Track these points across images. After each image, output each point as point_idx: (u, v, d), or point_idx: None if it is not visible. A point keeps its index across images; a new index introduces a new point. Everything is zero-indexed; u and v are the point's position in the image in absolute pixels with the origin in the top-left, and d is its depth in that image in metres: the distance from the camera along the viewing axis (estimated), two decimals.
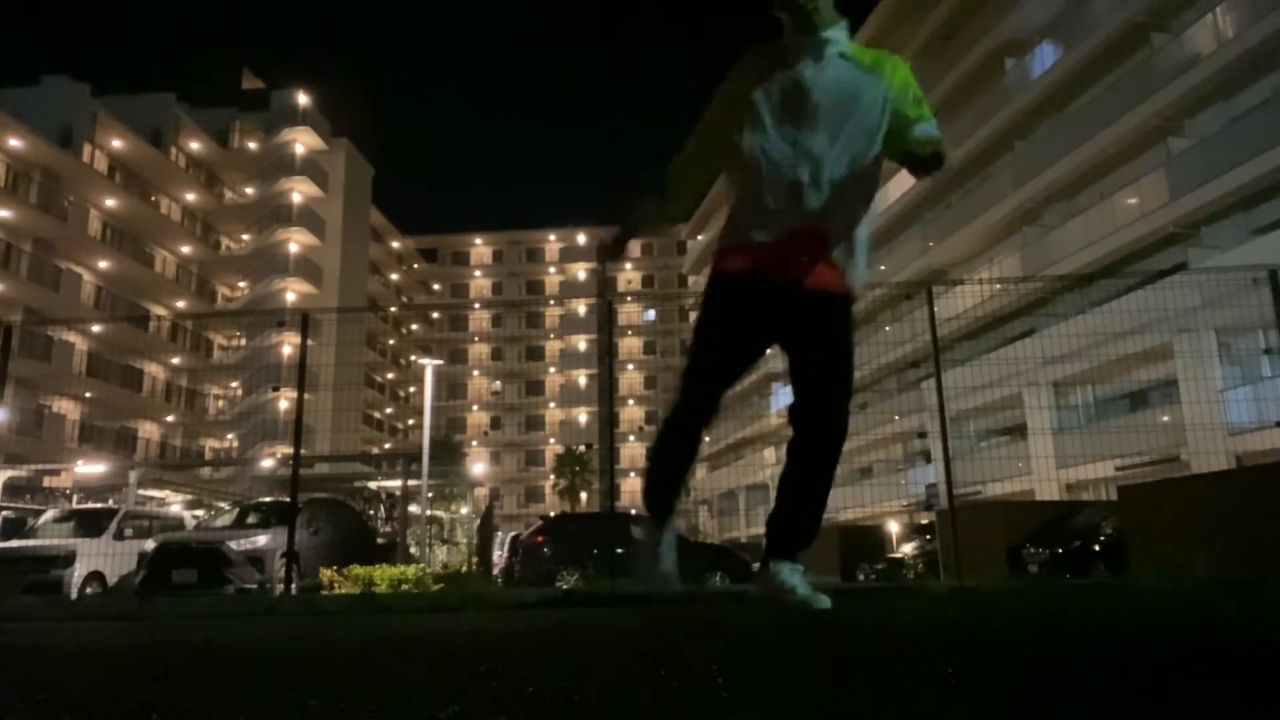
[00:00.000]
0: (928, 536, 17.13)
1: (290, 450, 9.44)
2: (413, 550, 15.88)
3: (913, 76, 2.62)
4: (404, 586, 10.24)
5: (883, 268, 37.02)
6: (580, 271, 75.29)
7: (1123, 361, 20.39)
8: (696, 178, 2.79)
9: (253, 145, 49.91)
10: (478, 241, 78.93)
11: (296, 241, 48.81)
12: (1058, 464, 21.40)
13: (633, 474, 67.70)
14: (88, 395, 35.68)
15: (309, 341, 9.08)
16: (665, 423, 2.89)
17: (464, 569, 14.55)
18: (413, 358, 67.80)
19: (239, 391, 46.33)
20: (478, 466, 42.45)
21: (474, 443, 67.73)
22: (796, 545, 2.73)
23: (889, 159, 2.59)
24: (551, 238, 77.29)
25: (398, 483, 17.86)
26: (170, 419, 43.04)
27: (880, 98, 2.53)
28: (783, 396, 43.63)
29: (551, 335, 74.50)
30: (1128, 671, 1.37)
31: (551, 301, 76.64)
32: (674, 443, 2.92)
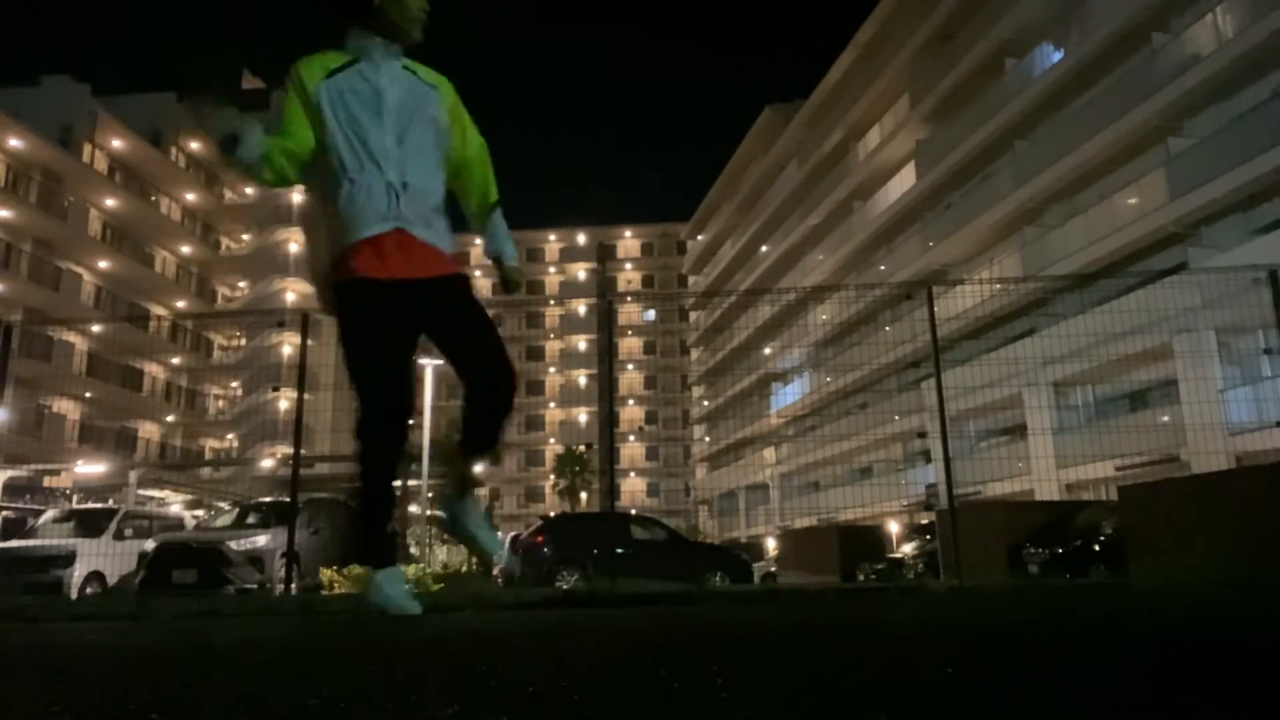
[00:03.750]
0: (928, 536, 17.13)
1: (290, 450, 9.44)
2: (413, 550, 15.87)
3: (458, 98, 2.87)
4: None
5: (883, 268, 37.06)
6: (580, 271, 75.29)
7: (1123, 361, 20.40)
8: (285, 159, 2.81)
9: None
10: (478, 241, 78.34)
11: (296, 241, 48.79)
12: (1058, 464, 21.41)
13: (633, 474, 67.91)
14: (88, 395, 35.70)
15: (309, 341, 9.08)
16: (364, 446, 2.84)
17: (464, 569, 14.54)
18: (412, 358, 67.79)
19: (239, 391, 46.35)
20: (478, 467, 42.44)
21: None
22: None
23: (470, 220, 2.96)
24: (551, 238, 77.27)
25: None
26: (170, 419, 43.04)
27: (442, 108, 2.77)
28: (783, 396, 43.65)
29: (551, 335, 74.50)
30: (1128, 671, 1.37)
31: (551, 301, 76.64)
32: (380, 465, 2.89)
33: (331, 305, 2.73)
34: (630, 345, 71.61)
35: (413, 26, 2.70)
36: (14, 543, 13.01)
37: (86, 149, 39.42)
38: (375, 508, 2.81)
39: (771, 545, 30.78)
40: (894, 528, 24.17)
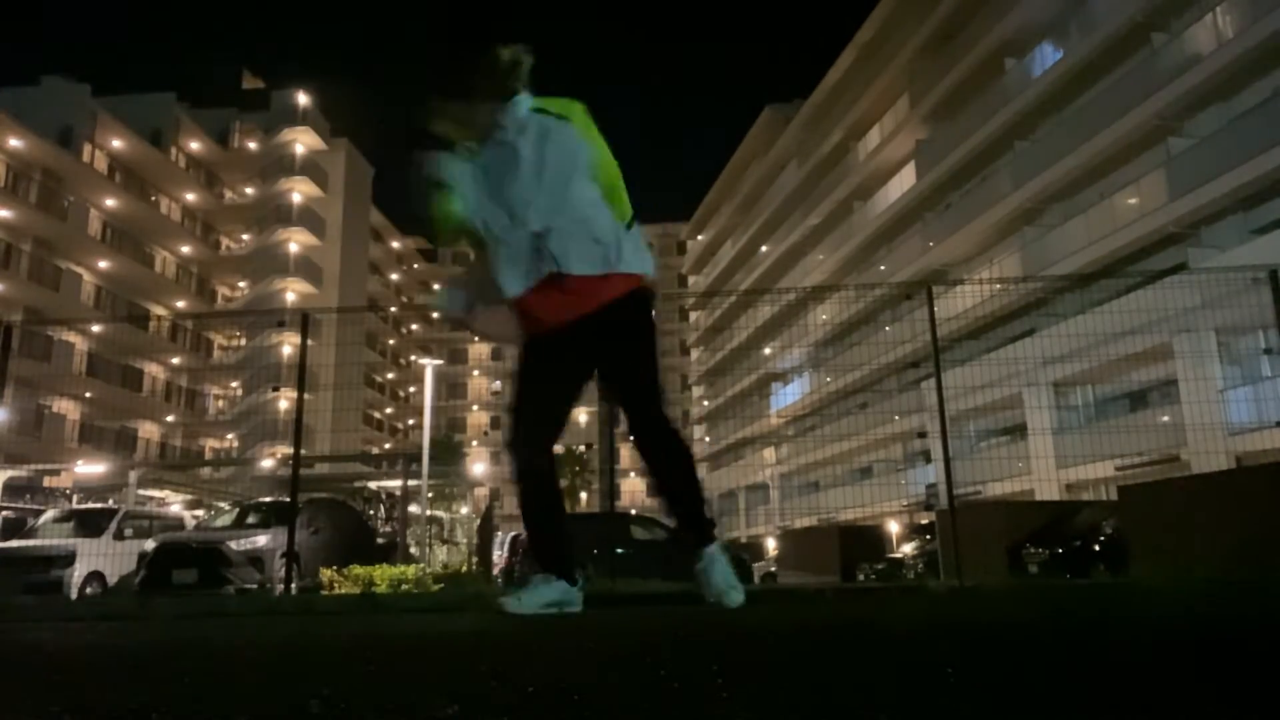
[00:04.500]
0: (928, 536, 17.13)
1: (290, 450, 9.44)
2: (413, 550, 15.88)
3: (591, 121, 2.87)
4: (404, 586, 10.24)
5: (883, 268, 37.06)
6: None
7: (1123, 361, 20.40)
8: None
9: (253, 145, 49.92)
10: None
11: (296, 241, 48.83)
12: (1058, 464, 21.41)
13: (633, 474, 67.81)
14: (88, 395, 35.70)
15: (309, 341, 9.09)
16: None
17: (464, 569, 14.54)
18: (413, 358, 67.82)
19: (239, 391, 46.36)
20: (478, 466, 42.45)
21: (474, 443, 67.69)
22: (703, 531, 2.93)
23: None
24: None
25: (398, 483, 17.86)
26: (170, 419, 43.05)
27: (574, 137, 2.75)
28: (783, 396, 43.65)
29: None
30: (1128, 672, 1.37)
31: None
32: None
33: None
34: None
35: (511, 81, 2.72)
36: (14, 543, 13.00)
37: (86, 149, 39.42)
38: (532, 521, 2.98)
39: (771, 545, 30.78)
40: (894, 528, 24.17)
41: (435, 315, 2.87)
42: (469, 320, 2.94)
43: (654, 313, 2.82)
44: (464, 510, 21.60)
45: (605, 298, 2.68)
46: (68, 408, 35.09)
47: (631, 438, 2.86)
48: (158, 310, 43.00)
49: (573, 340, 2.70)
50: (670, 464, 2.85)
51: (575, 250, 2.64)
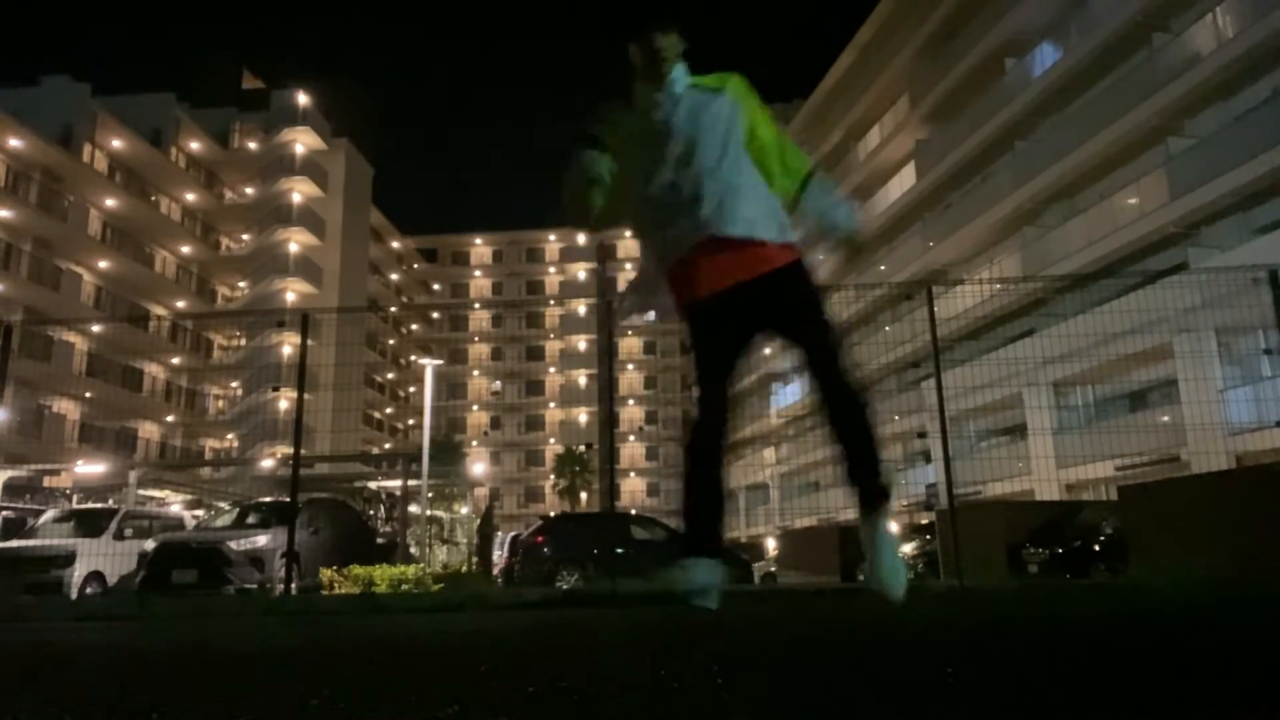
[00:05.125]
0: (928, 536, 17.11)
1: (290, 450, 9.44)
2: (413, 550, 15.87)
3: (749, 89, 2.91)
4: (404, 586, 10.24)
5: (883, 268, 37.04)
6: (580, 271, 75.28)
7: (1123, 361, 20.38)
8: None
9: (253, 145, 49.91)
10: (478, 241, 78.93)
11: (296, 241, 48.81)
12: (1058, 464, 21.39)
13: (633, 474, 67.88)
14: (88, 395, 35.70)
15: (309, 341, 9.08)
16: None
17: (464, 569, 14.54)
18: (413, 358, 67.83)
19: (239, 391, 46.35)
20: (478, 466, 42.43)
21: (474, 443, 67.73)
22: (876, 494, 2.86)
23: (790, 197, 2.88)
24: (551, 238, 77.28)
25: (398, 483, 17.86)
26: (170, 419, 43.04)
27: (727, 106, 2.80)
28: (783, 396, 43.59)
29: (551, 335, 74.51)
30: (1127, 671, 1.37)
31: (551, 301, 76.68)
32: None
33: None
34: (630, 345, 71.63)
35: (664, 63, 2.79)
36: (14, 543, 13.00)
37: (86, 149, 39.41)
38: (690, 502, 2.84)
39: (771, 545, 30.77)
40: (894, 528, 24.11)
41: (622, 321, 2.91)
42: (645, 309, 3.02)
43: (812, 279, 2.82)
44: (464, 510, 21.60)
45: (774, 262, 2.70)
46: (68, 408, 35.08)
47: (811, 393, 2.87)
48: (158, 310, 42.98)
49: (730, 306, 2.70)
50: (855, 418, 2.86)
51: (729, 218, 2.68)
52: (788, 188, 2.89)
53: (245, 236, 49.84)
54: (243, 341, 47.21)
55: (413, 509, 17.14)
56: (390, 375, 66.69)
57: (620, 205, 2.86)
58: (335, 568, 11.02)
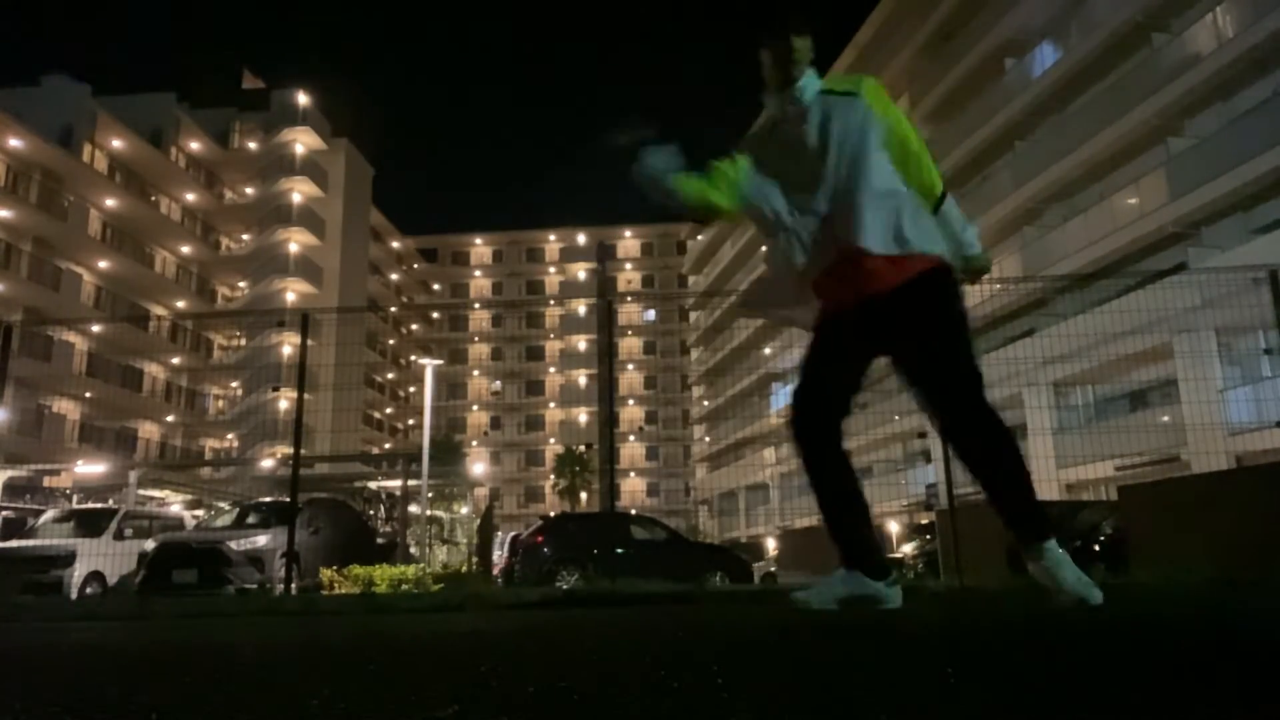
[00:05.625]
0: (928, 536, 17.10)
1: (290, 450, 9.44)
2: (413, 550, 15.88)
3: (884, 93, 2.83)
4: (404, 586, 10.24)
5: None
6: (580, 271, 75.31)
7: (1123, 361, 20.38)
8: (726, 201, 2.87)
9: (253, 145, 49.91)
10: (478, 241, 78.95)
11: (296, 241, 48.82)
12: (1058, 464, 21.39)
13: (633, 474, 67.92)
14: (88, 395, 35.70)
15: (309, 341, 9.08)
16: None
17: (464, 569, 14.54)
18: (413, 358, 67.84)
19: (239, 391, 46.35)
20: (478, 466, 42.42)
21: (474, 443, 67.76)
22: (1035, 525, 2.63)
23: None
24: (551, 238, 77.31)
25: (398, 483, 17.86)
26: (170, 419, 43.05)
27: (860, 113, 2.71)
28: (783, 396, 43.66)
29: (551, 335, 74.53)
30: (1127, 671, 1.37)
31: (551, 301, 76.70)
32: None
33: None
34: (630, 345, 71.64)
35: (797, 68, 2.74)
36: (14, 543, 13.00)
37: (86, 149, 39.41)
38: (825, 509, 2.79)
39: (771, 545, 30.77)
40: (894, 528, 24.17)
41: (741, 311, 2.87)
42: (771, 308, 3.04)
43: (955, 294, 2.68)
44: (464, 510, 21.60)
45: (893, 280, 2.59)
46: (68, 408, 35.09)
47: (939, 429, 2.72)
48: (158, 310, 42.99)
49: (858, 322, 2.64)
50: (986, 457, 2.60)
51: (861, 230, 2.58)
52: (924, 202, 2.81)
53: (245, 236, 49.85)
54: (243, 341, 47.21)
55: (413, 509, 17.14)
56: (390, 375, 66.70)
57: (745, 208, 2.83)
58: (335, 568, 11.02)
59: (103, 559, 12.17)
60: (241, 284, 49.14)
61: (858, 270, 2.60)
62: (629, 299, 74.74)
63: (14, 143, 34.54)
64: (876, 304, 2.60)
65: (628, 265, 77.33)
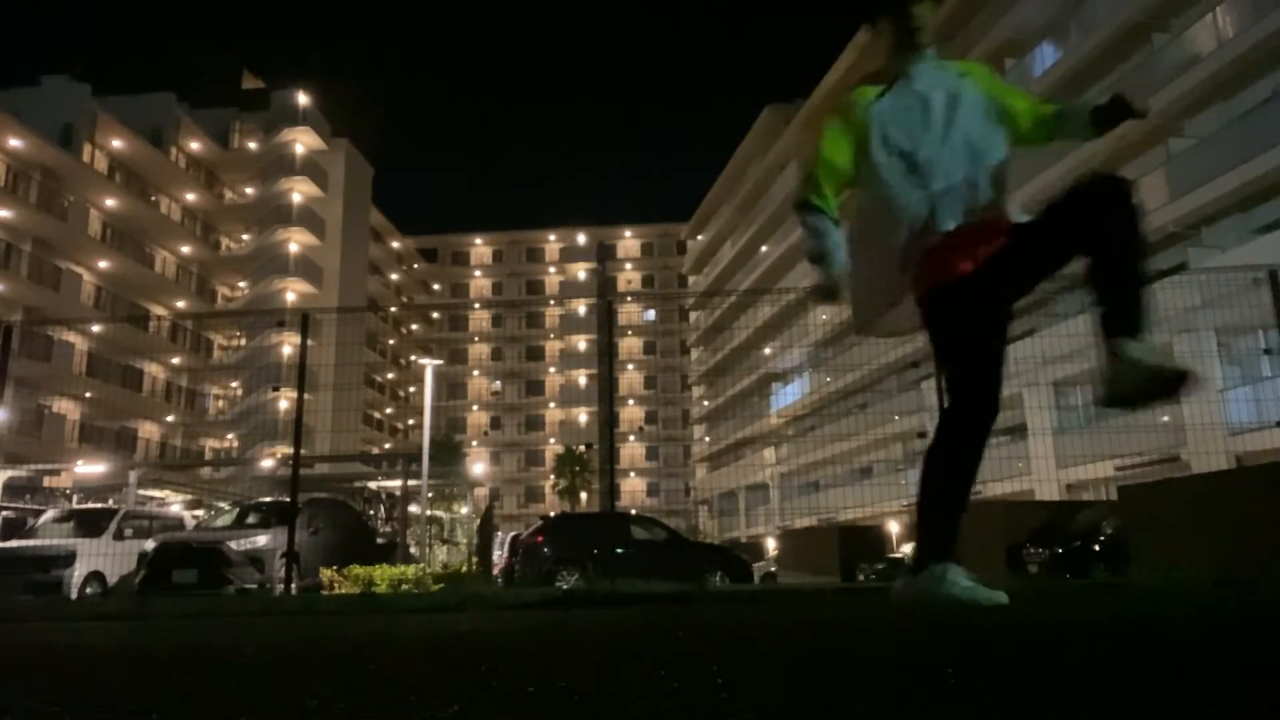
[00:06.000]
0: None
1: (290, 450, 9.45)
2: (413, 550, 15.88)
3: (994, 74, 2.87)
4: (404, 586, 10.24)
5: (812, 301, 36.95)
6: (580, 271, 75.32)
7: None
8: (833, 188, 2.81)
9: (253, 145, 49.92)
10: (478, 241, 78.96)
11: (296, 241, 48.82)
12: (1058, 464, 21.40)
13: (633, 474, 67.93)
14: (88, 395, 35.70)
15: (309, 341, 9.09)
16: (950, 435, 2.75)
17: (464, 569, 14.54)
18: (413, 358, 67.84)
19: (239, 391, 46.36)
20: (478, 466, 42.45)
21: (474, 443, 67.76)
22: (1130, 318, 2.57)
23: (1055, 138, 2.91)
24: (551, 238, 77.31)
25: (398, 483, 17.87)
26: (170, 419, 43.05)
27: (982, 87, 2.75)
28: (783, 396, 43.45)
29: (551, 335, 74.53)
30: (1128, 671, 1.37)
31: (551, 301, 76.71)
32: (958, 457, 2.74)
33: (924, 317, 2.75)
34: (630, 345, 71.65)
35: (921, 34, 2.73)
36: (14, 543, 13.00)
37: (86, 149, 39.41)
38: (940, 500, 2.67)
39: (771, 545, 30.78)
40: (894, 528, 24.17)
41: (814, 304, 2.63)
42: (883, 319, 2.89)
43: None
44: (464, 510, 21.60)
45: (1006, 238, 2.62)
46: (68, 408, 35.08)
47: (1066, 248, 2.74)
48: (158, 310, 42.99)
49: (980, 289, 2.61)
50: (1120, 229, 2.60)
51: (979, 204, 2.61)
52: (1077, 131, 2.91)
53: (245, 236, 49.85)
54: (243, 341, 47.21)
55: (413, 509, 17.14)
56: (390, 375, 66.71)
57: (852, 183, 2.76)
58: (335, 568, 11.02)
59: (103, 559, 12.17)
60: (241, 284, 49.15)
61: (974, 241, 2.59)
62: (629, 299, 74.73)
63: (14, 143, 34.55)
64: (1000, 255, 2.62)
65: (628, 265, 77.33)
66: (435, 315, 76.06)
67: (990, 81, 2.81)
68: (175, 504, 18.91)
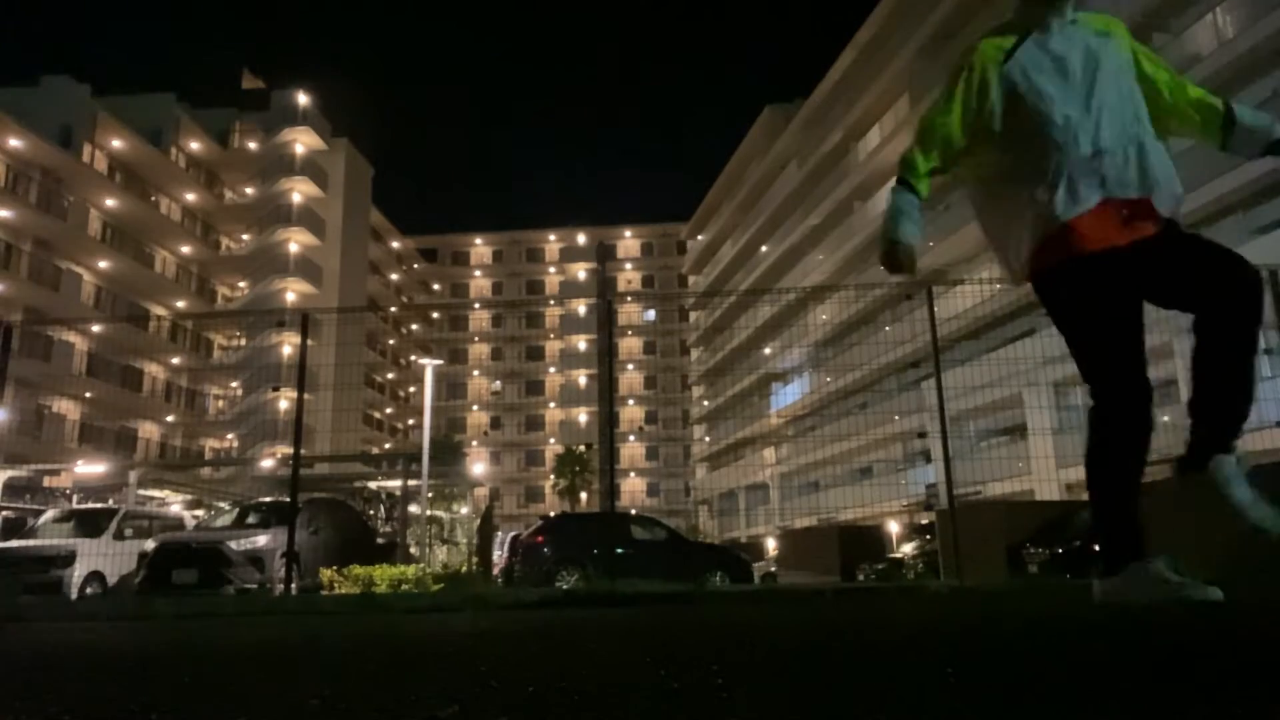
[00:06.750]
0: (928, 536, 17.11)
1: (290, 450, 9.45)
2: (413, 550, 15.87)
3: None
4: (404, 586, 10.24)
5: (883, 268, 37.03)
6: (580, 271, 75.33)
7: None
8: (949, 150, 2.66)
9: (253, 145, 49.92)
10: (478, 241, 78.97)
11: (296, 241, 48.81)
12: (1058, 464, 21.39)
13: (633, 474, 67.94)
14: (88, 395, 35.70)
15: (309, 341, 9.09)
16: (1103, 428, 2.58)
17: (464, 569, 14.54)
18: (413, 358, 67.84)
19: (239, 391, 46.34)
20: (478, 466, 42.46)
21: (474, 443, 67.75)
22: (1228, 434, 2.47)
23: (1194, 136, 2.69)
24: (551, 238, 77.33)
25: (398, 483, 17.86)
26: (170, 419, 43.05)
27: (1126, 50, 2.58)
28: (783, 396, 43.49)
29: (551, 335, 74.55)
30: (1127, 671, 1.37)
31: (551, 301, 76.72)
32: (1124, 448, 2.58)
33: (1041, 293, 2.57)
34: (630, 345, 71.66)
35: None
36: (14, 543, 13.00)
37: (86, 149, 39.40)
38: (1114, 497, 2.53)
39: (771, 545, 30.78)
40: (894, 528, 24.17)
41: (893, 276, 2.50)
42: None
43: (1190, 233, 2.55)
44: (464, 510, 21.59)
45: (1154, 229, 2.45)
46: (68, 408, 35.08)
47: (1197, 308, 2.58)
48: (158, 310, 42.98)
49: (1127, 263, 2.43)
50: (1236, 342, 2.52)
51: (1140, 177, 2.43)
52: (1206, 128, 2.67)
53: (245, 236, 49.85)
54: (243, 341, 47.20)
55: (413, 509, 17.13)
56: (390, 375, 66.70)
57: (970, 144, 2.59)
58: (335, 568, 11.02)
59: (103, 559, 12.17)
60: (241, 284, 49.14)
61: (1126, 216, 2.43)
62: (629, 299, 74.74)
63: (14, 143, 34.54)
64: (1147, 246, 2.44)
65: (628, 265, 77.34)
66: (435, 315, 76.07)
67: (1133, 44, 2.62)
68: (175, 504, 18.91)
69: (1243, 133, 2.62)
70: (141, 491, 17.84)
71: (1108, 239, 2.41)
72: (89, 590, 11.90)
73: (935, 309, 8.64)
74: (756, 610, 2.96)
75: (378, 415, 61.68)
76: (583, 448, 54.94)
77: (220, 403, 47.72)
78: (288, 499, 9.14)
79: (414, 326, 74.18)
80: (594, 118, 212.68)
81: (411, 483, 17.02)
